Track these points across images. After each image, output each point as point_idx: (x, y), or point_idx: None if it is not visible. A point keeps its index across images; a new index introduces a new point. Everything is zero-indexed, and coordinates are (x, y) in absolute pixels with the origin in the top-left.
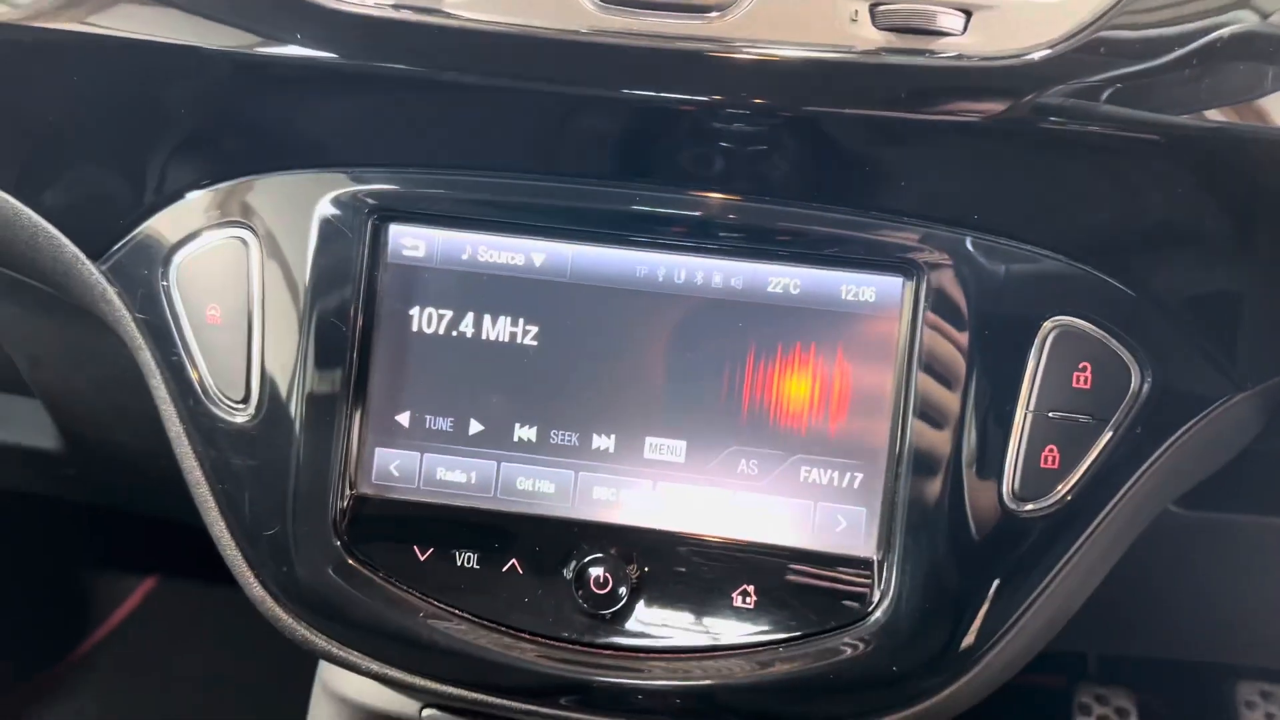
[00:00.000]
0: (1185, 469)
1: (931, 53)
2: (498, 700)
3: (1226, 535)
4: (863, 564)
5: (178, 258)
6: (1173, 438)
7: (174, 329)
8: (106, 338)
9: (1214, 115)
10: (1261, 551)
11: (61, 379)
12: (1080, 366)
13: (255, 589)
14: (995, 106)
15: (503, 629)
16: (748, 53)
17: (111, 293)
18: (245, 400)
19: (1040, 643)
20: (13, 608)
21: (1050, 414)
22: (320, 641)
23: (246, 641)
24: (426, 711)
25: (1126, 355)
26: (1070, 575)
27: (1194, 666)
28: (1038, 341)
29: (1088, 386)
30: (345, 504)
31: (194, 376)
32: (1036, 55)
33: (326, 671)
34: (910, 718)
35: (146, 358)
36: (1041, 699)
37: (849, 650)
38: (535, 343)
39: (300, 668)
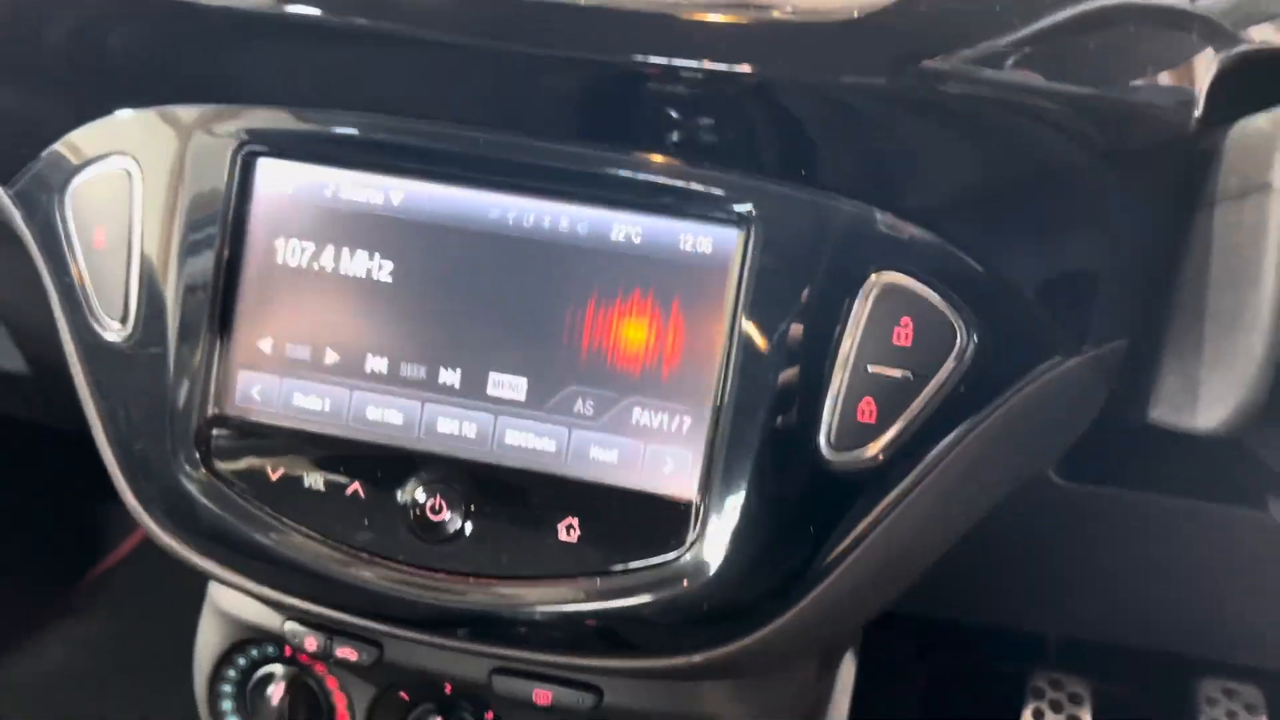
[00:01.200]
0: (1022, 433)
1: (766, 8)
2: (337, 615)
3: (1118, 511)
4: (683, 506)
5: (73, 184)
6: (998, 400)
7: (66, 251)
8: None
9: (1048, 81)
10: (1156, 529)
11: (11, 300)
12: (902, 322)
13: (129, 499)
14: (820, 64)
15: (344, 549)
16: (589, 4)
17: (18, 217)
18: (124, 320)
19: (871, 600)
20: (28, 530)
21: (869, 368)
22: (183, 551)
23: None
24: (287, 625)
25: (951, 314)
26: (892, 532)
27: (1160, 660)
28: (861, 295)
29: (908, 343)
30: (207, 423)
31: (81, 297)
32: (865, 13)
33: (213, 587)
34: (721, 658)
35: (46, 279)
36: (996, 681)
37: (662, 587)
38: (390, 279)
39: None
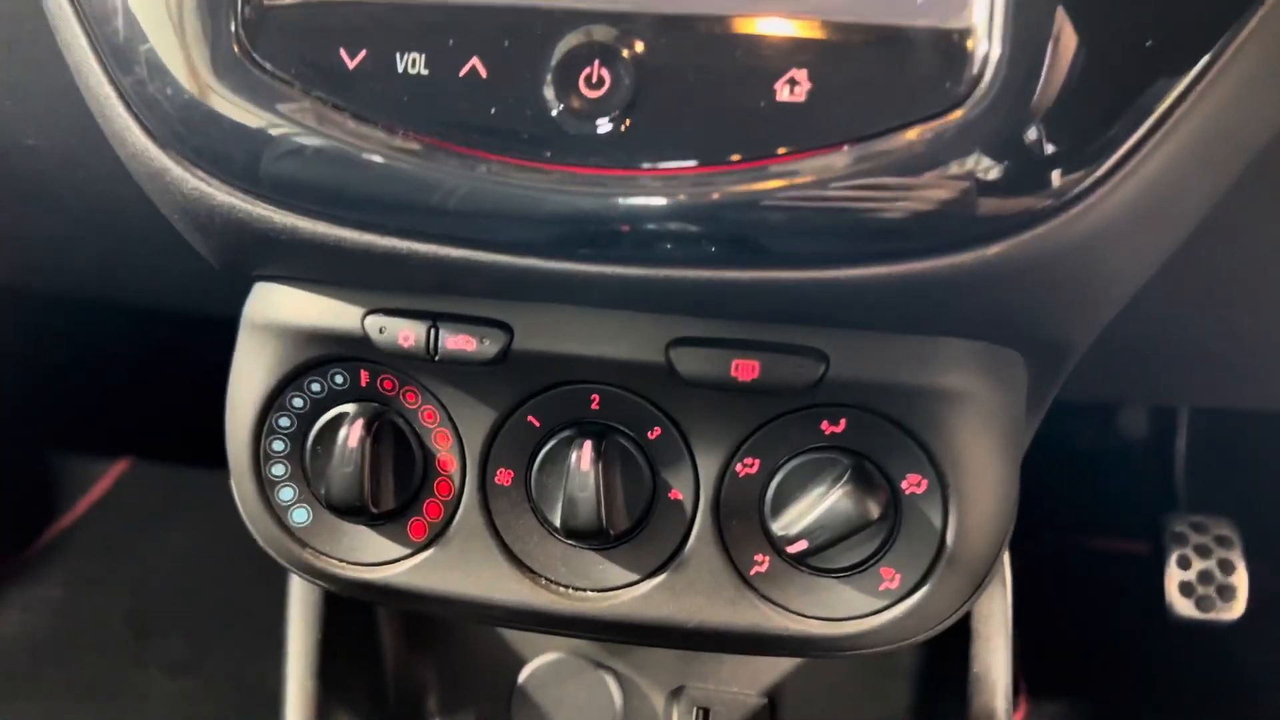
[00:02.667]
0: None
1: None
2: (459, 254)
3: None
4: (957, 36)
5: None
6: None
7: None
8: None
9: None
10: None
11: None
12: None
13: (135, 136)
14: None
15: (463, 149)
16: None
17: None
18: None
19: (1158, 231)
20: None
21: None
22: (220, 194)
23: (223, 528)
24: (370, 320)
25: None
26: (1195, 120)
27: None
28: None
29: None
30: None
31: None
32: None
33: (253, 301)
34: (1018, 252)
35: None
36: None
37: (930, 150)
38: None
39: None
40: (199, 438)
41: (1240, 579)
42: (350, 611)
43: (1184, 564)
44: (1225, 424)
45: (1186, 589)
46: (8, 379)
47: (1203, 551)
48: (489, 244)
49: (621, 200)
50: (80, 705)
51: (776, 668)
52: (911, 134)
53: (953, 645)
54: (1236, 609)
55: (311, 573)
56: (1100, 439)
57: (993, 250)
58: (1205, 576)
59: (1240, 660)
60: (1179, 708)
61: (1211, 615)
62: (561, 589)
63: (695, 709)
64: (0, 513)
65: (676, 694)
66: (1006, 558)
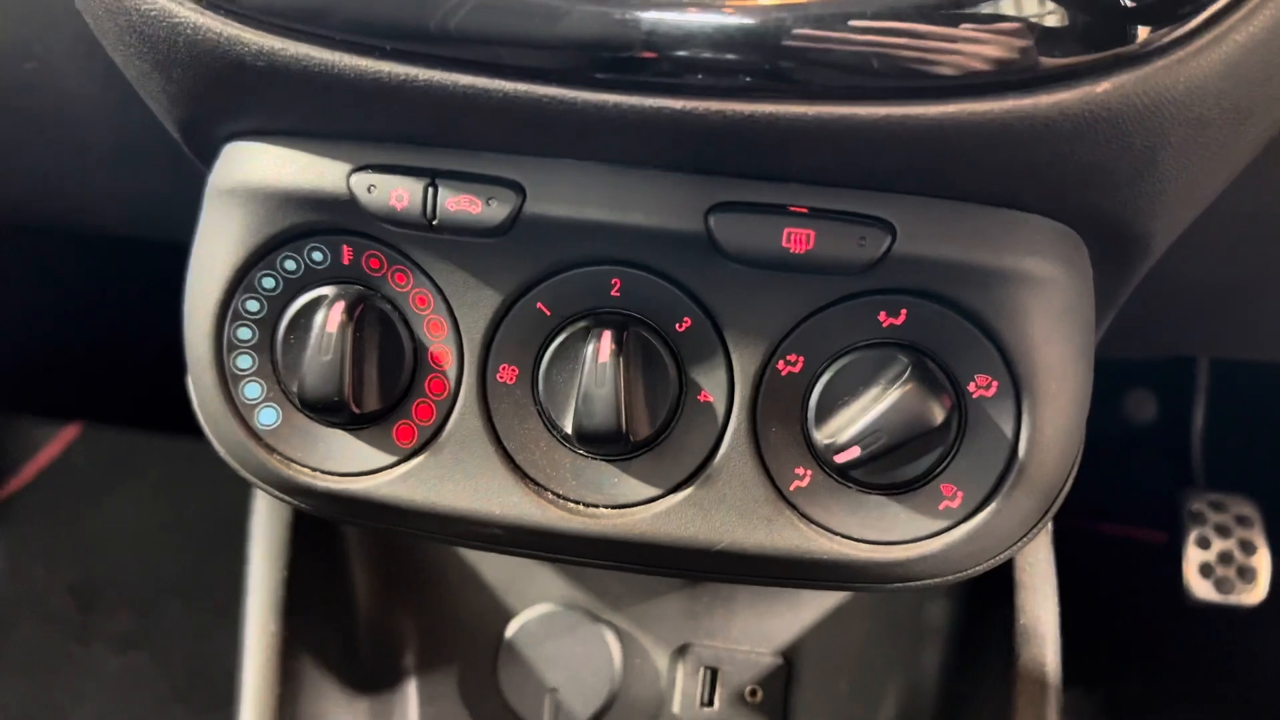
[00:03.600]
0: None
1: None
2: (465, 81)
3: None
4: None
5: None
6: None
7: None
8: None
9: None
10: None
11: None
12: None
13: None
14: None
15: None
16: None
17: None
18: None
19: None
20: None
21: None
22: (184, 10)
23: (176, 498)
24: (355, 178)
25: None
26: None
27: None
28: None
29: None
30: None
31: None
32: None
33: (220, 167)
34: (1110, 94)
35: None
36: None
37: None
38: None
39: (235, 519)
40: (153, 402)
41: (1262, 560)
42: (319, 547)
43: (1203, 544)
44: (1243, 400)
45: (1205, 570)
46: None
47: (1222, 531)
48: (499, 67)
49: (656, 8)
50: (20, 680)
51: (794, 625)
52: None
53: (993, 598)
54: (1258, 593)
55: (278, 485)
56: (1114, 419)
57: (1100, 88)
58: (1225, 558)
59: (1259, 647)
60: (1196, 695)
61: (1231, 598)
62: (570, 504)
63: (703, 669)
64: None
65: (682, 652)
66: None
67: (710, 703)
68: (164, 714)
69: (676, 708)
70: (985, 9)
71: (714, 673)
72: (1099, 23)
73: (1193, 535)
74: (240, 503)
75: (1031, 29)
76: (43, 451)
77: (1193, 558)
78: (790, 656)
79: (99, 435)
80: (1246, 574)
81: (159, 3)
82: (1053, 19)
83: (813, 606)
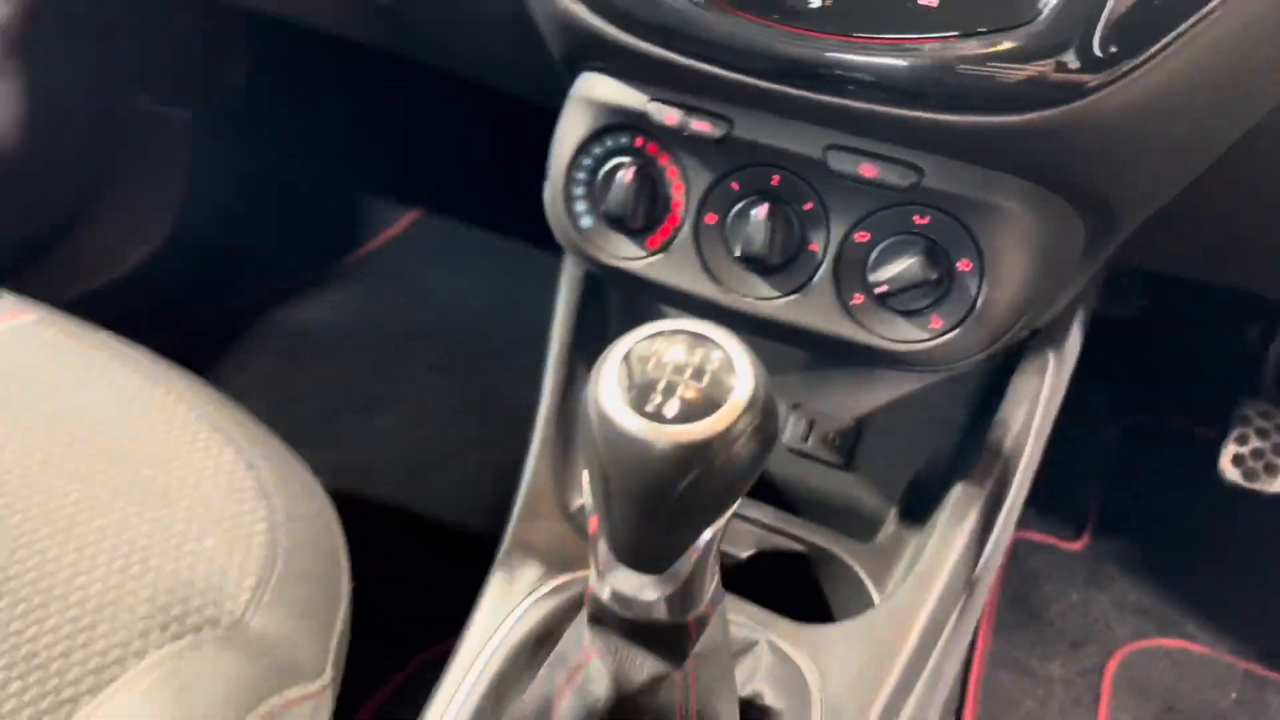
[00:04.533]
0: None
1: None
2: (716, 71)
3: None
4: None
5: None
6: None
7: None
8: None
9: None
10: None
11: None
12: None
13: None
14: None
15: (731, 9)
16: None
17: None
18: None
19: (1186, 108)
20: (299, 211)
21: None
22: (571, 5)
23: (500, 272)
24: (651, 104)
25: None
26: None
27: None
28: None
29: None
30: None
31: None
32: None
33: (580, 82)
34: (1050, 118)
35: None
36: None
37: (1020, 43)
38: None
39: (544, 292)
40: (482, 204)
41: None
42: (595, 302)
43: (1242, 440)
44: None
45: (1238, 460)
46: (359, 127)
47: (1263, 434)
48: (735, 67)
49: (821, 51)
50: (363, 376)
51: (866, 403)
52: (1003, 36)
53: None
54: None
55: (585, 256)
56: (1206, 328)
57: (1053, 111)
58: (1257, 454)
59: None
60: (1229, 570)
61: (1255, 485)
62: (734, 294)
63: (805, 420)
64: (319, 232)
65: (795, 407)
66: (1054, 363)
67: (806, 439)
68: (455, 423)
69: (785, 438)
70: (981, 62)
71: (811, 423)
72: (1060, 72)
73: (1235, 433)
74: (545, 278)
75: (1010, 76)
76: (392, 227)
77: (1230, 450)
78: (861, 422)
79: (435, 222)
80: (1272, 470)
81: (567, 5)
82: (1022, 72)
83: (877, 395)
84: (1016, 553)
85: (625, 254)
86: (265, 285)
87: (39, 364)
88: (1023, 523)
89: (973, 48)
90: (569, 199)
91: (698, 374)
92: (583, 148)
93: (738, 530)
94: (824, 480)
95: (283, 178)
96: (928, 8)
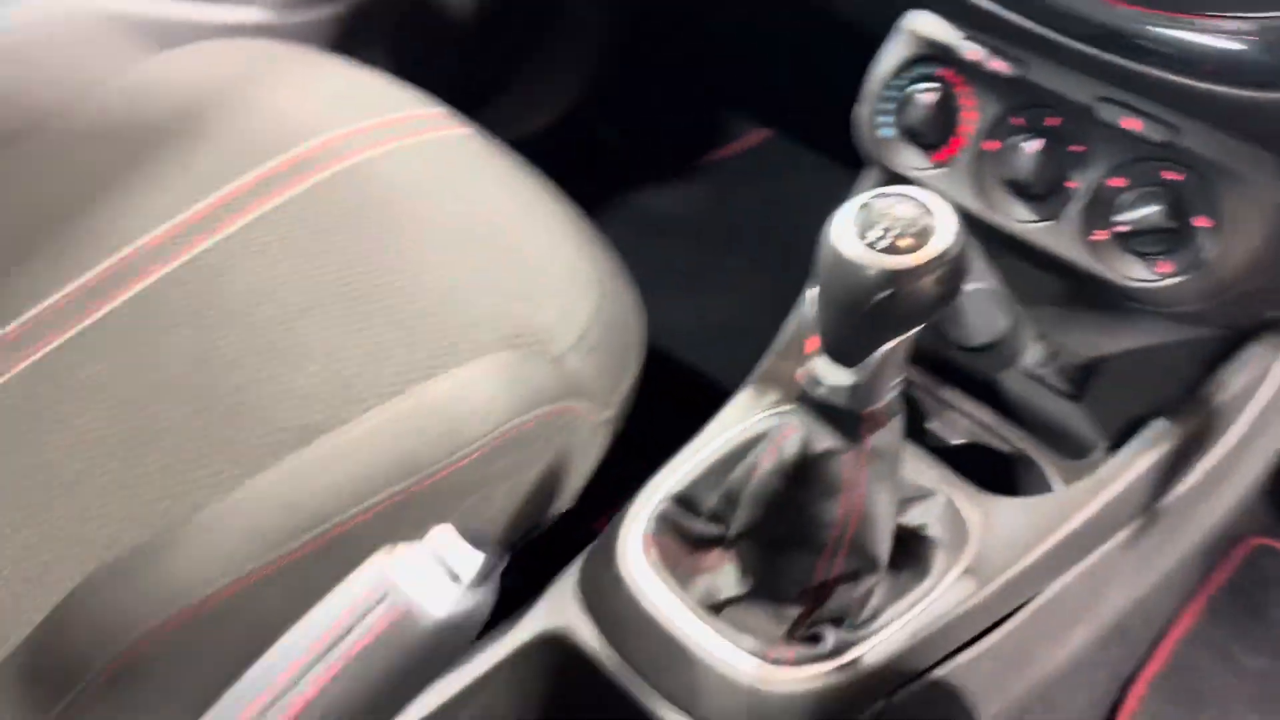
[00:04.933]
0: None
1: None
2: (1034, 27)
3: None
4: None
5: None
6: None
7: None
8: None
9: None
10: None
11: None
12: None
13: None
14: None
15: None
16: None
17: None
18: None
19: None
20: (668, 113)
21: None
22: None
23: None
24: (964, 41)
25: None
26: None
27: None
28: None
29: None
30: None
31: None
32: None
33: (906, 18)
34: None
35: None
36: None
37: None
38: None
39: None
40: (823, 128)
41: None
42: None
43: None
44: None
45: None
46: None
47: None
48: (1056, 27)
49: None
50: (688, 259)
51: (1105, 346)
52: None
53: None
54: None
55: (880, 164)
56: None
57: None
58: None
59: None
60: None
61: None
62: (996, 212)
63: (1050, 350)
64: (679, 133)
65: (1042, 337)
66: None
67: (1044, 366)
68: (762, 307)
69: (1027, 362)
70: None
71: (1054, 354)
72: None
73: None
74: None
75: None
76: (740, 141)
77: None
78: (1099, 362)
79: (780, 143)
80: None
81: None
82: None
83: (1118, 341)
84: (1256, 556)
85: (914, 164)
86: (629, 170)
87: (458, 165)
88: (1270, 531)
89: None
90: (873, 115)
91: (911, 225)
92: (898, 71)
93: (956, 421)
94: (1050, 404)
95: (664, 82)
96: None
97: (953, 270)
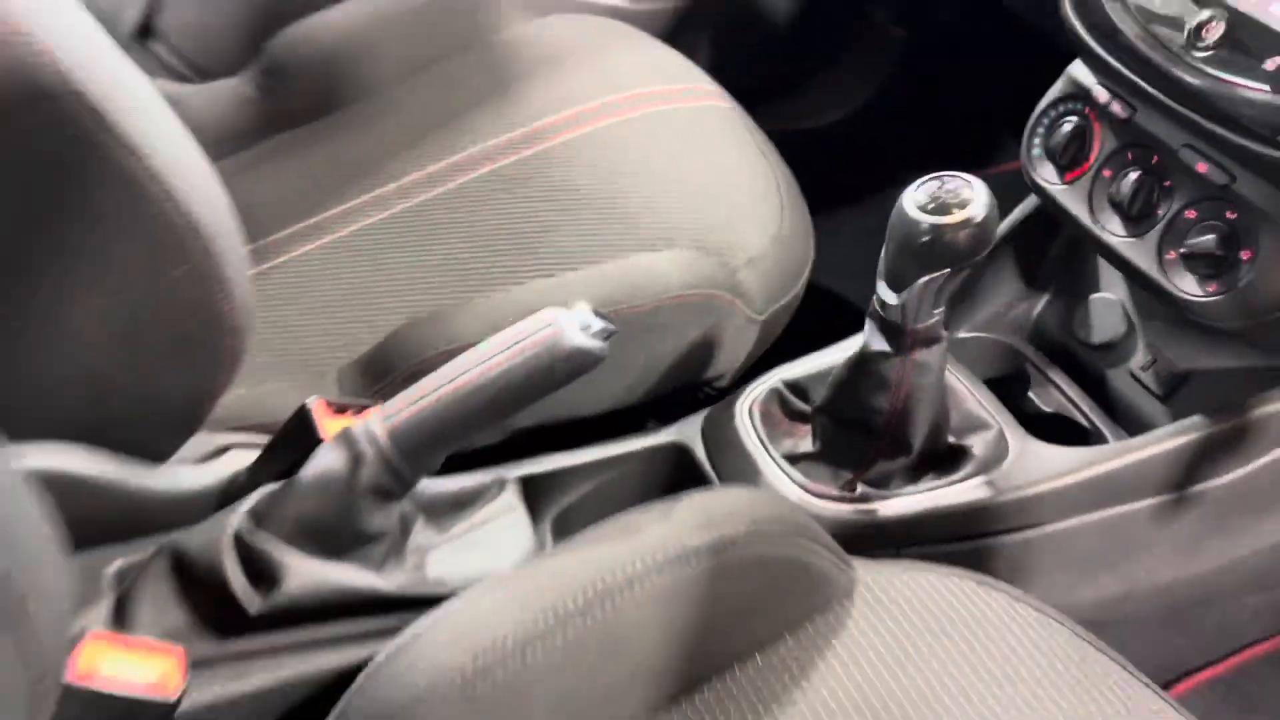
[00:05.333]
0: None
1: None
2: (1115, 89)
3: None
4: None
5: None
6: None
7: None
8: None
9: None
10: None
11: None
12: None
13: None
14: None
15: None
16: None
17: None
18: None
19: None
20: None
21: None
22: None
23: None
24: (1097, 88)
25: None
26: None
27: None
28: None
29: None
30: None
31: None
32: None
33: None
34: None
35: None
36: None
37: None
38: None
39: None
40: None
41: None
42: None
43: None
44: None
45: None
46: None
47: None
48: (1152, 82)
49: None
50: None
51: (1200, 362)
52: None
53: None
54: None
55: (1027, 175)
56: None
57: None
58: None
59: None
60: None
61: None
62: (1097, 225)
63: (1153, 355)
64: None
65: (1150, 345)
66: None
67: (1146, 370)
68: None
69: (1131, 365)
70: None
71: (1154, 359)
72: None
73: None
74: None
75: None
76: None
77: None
78: (1192, 374)
79: None
80: None
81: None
82: None
83: (1212, 360)
84: None
85: (1049, 179)
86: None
87: (710, 125)
88: None
89: None
90: (1032, 134)
91: (955, 197)
92: (1053, 104)
93: (1052, 394)
94: (1141, 399)
95: (938, 92)
96: None
97: (978, 232)
